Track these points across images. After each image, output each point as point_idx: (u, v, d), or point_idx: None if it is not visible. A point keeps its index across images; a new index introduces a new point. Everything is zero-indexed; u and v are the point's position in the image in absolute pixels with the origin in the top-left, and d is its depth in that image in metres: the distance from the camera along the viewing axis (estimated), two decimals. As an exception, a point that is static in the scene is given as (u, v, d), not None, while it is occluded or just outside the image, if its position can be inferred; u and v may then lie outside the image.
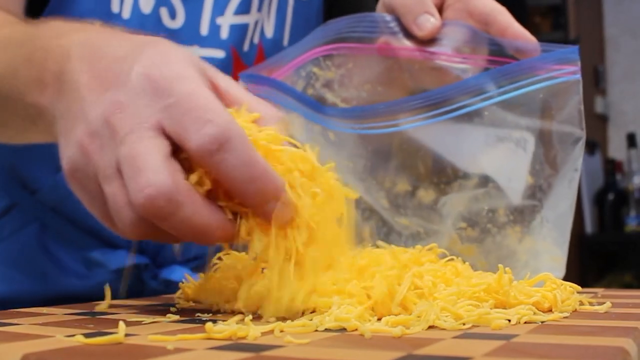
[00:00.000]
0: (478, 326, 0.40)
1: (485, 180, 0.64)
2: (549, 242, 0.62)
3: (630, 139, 3.25)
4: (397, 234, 0.66)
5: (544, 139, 0.63)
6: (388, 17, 0.65)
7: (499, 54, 0.62)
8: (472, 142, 0.62)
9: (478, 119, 0.60)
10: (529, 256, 0.63)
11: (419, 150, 0.64)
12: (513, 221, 0.63)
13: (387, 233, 0.67)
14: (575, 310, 0.47)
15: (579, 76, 0.60)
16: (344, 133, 0.63)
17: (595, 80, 3.35)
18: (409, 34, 0.65)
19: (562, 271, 0.62)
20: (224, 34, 0.73)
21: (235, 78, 0.74)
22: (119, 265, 0.72)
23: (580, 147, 0.62)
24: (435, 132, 0.62)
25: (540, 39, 0.62)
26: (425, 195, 0.66)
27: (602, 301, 0.50)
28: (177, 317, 0.45)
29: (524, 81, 0.59)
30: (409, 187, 0.66)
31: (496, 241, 0.63)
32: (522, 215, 0.63)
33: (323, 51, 0.67)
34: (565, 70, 0.59)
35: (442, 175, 0.65)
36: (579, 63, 0.60)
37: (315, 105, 0.62)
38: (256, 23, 0.74)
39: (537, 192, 0.63)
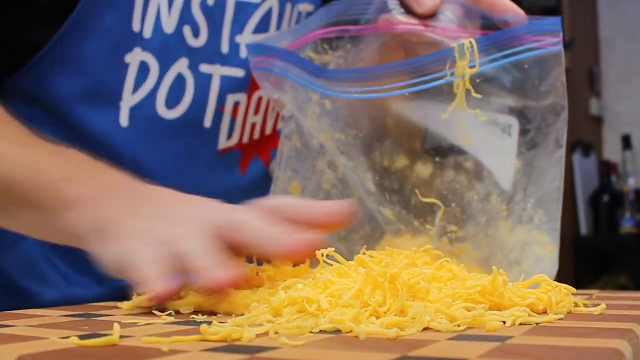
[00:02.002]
0: (473, 328, 0.40)
1: (478, 166, 0.64)
2: (539, 231, 0.63)
3: (626, 141, 3.26)
4: (379, 228, 0.66)
5: (526, 111, 0.63)
6: None
7: (491, 28, 0.63)
8: (462, 124, 0.62)
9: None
10: (520, 246, 0.63)
11: (412, 126, 0.64)
12: (500, 204, 0.63)
13: (371, 230, 0.67)
14: (570, 312, 0.47)
15: (561, 47, 0.60)
16: (340, 101, 0.63)
17: (590, 82, 3.35)
18: (408, 12, 0.65)
19: (555, 264, 0.62)
20: (244, 52, 0.72)
21: (250, 97, 0.74)
22: None
23: (563, 120, 0.62)
24: (426, 108, 0.62)
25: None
26: (419, 172, 0.66)
27: (597, 303, 0.50)
28: (172, 319, 0.45)
29: (508, 51, 0.60)
30: (401, 163, 0.66)
31: (488, 234, 0.63)
32: (510, 199, 0.63)
33: (321, 34, 0.67)
34: (547, 42, 0.60)
35: (437, 152, 0.65)
36: (561, 34, 0.60)
37: (317, 69, 0.62)
38: None
39: (522, 169, 0.63)
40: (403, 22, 0.65)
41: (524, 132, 0.63)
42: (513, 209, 0.63)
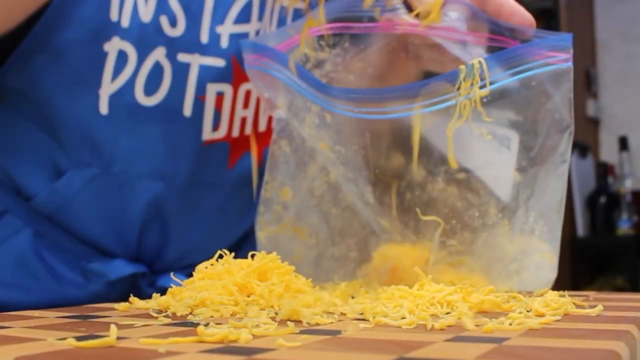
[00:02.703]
0: (472, 329, 0.40)
1: (474, 178, 0.64)
2: (539, 240, 0.62)
3: (622, 142, 3.26)
4: (376, 236, 0.66)
5: (531, 127, 0.63)
6: None
7: (498, 33, 0.62)
8: (460, 137, 0.62)
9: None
10: (520, 255, 0.62)
11: (411, 138, 0.64)
12: (502, 219, 0.63)
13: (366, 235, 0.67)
14: (567, 314, 0.47)
15: (571, 64, 0.59)
16: (341, 116, 0.62)
17: (586, 83, 3.35)
18: (411, 12, 0.64)
19: (554, 271, 0.62)
20: (224, 42, 0.72)
21: (236, 89, 0.74)
22: (119, 275, 0.71)
23: (568, 136, 0.61)
24: (430, 123, 0.62)
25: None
26: (420, 188, 0.65)
27: (594, 304, 0.50)
28: (169, 320, 0.45)
29: (517, 68, 0.59)
30: (402, 179, 0.66)
31: (487, 243, 0.63)
32: (512, 214, 0.63)
33: (319, 31, 0.67)
34: (558, 58, 0.59)
35: (434, 164, 0.64)
36: (572, 51, 0.59)
37: (318, 84, 0.61)
38: (257, 32, 0.74)
39: (525, 184, 0.63)
40: (405, 22, 0.64)
41: (528, 148, 0.63)
42: (515, 223, 0.63)
